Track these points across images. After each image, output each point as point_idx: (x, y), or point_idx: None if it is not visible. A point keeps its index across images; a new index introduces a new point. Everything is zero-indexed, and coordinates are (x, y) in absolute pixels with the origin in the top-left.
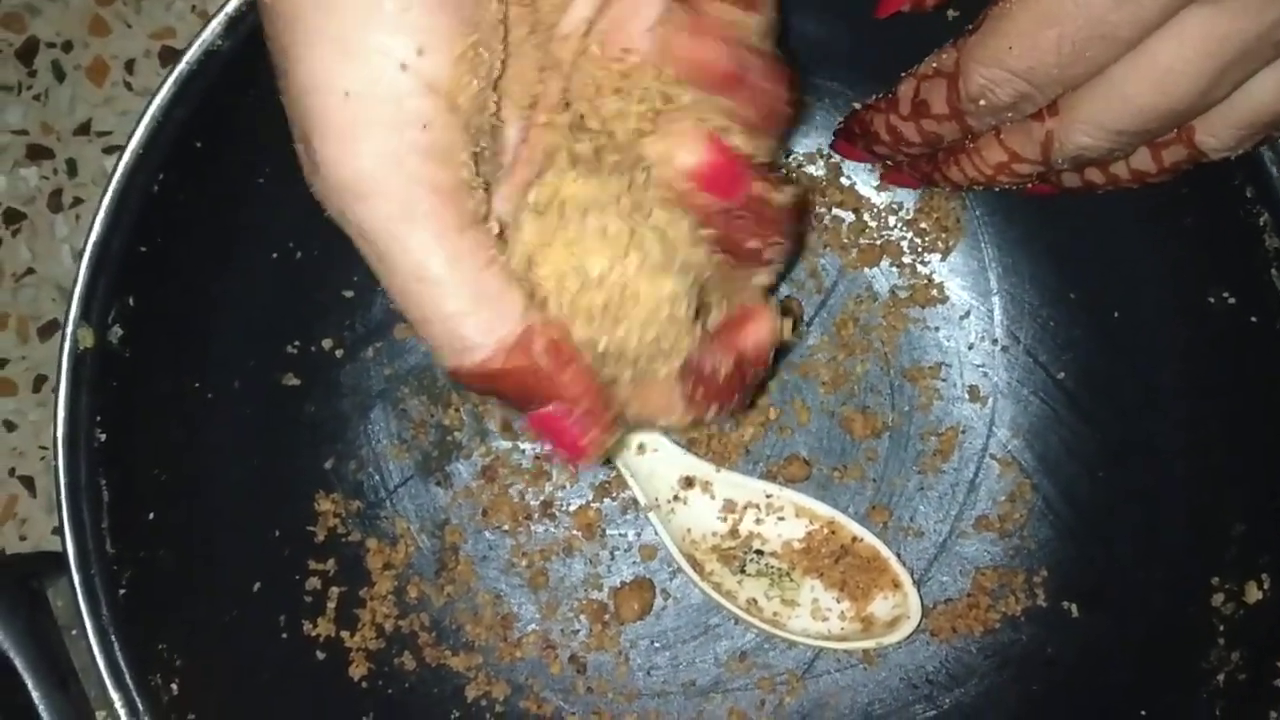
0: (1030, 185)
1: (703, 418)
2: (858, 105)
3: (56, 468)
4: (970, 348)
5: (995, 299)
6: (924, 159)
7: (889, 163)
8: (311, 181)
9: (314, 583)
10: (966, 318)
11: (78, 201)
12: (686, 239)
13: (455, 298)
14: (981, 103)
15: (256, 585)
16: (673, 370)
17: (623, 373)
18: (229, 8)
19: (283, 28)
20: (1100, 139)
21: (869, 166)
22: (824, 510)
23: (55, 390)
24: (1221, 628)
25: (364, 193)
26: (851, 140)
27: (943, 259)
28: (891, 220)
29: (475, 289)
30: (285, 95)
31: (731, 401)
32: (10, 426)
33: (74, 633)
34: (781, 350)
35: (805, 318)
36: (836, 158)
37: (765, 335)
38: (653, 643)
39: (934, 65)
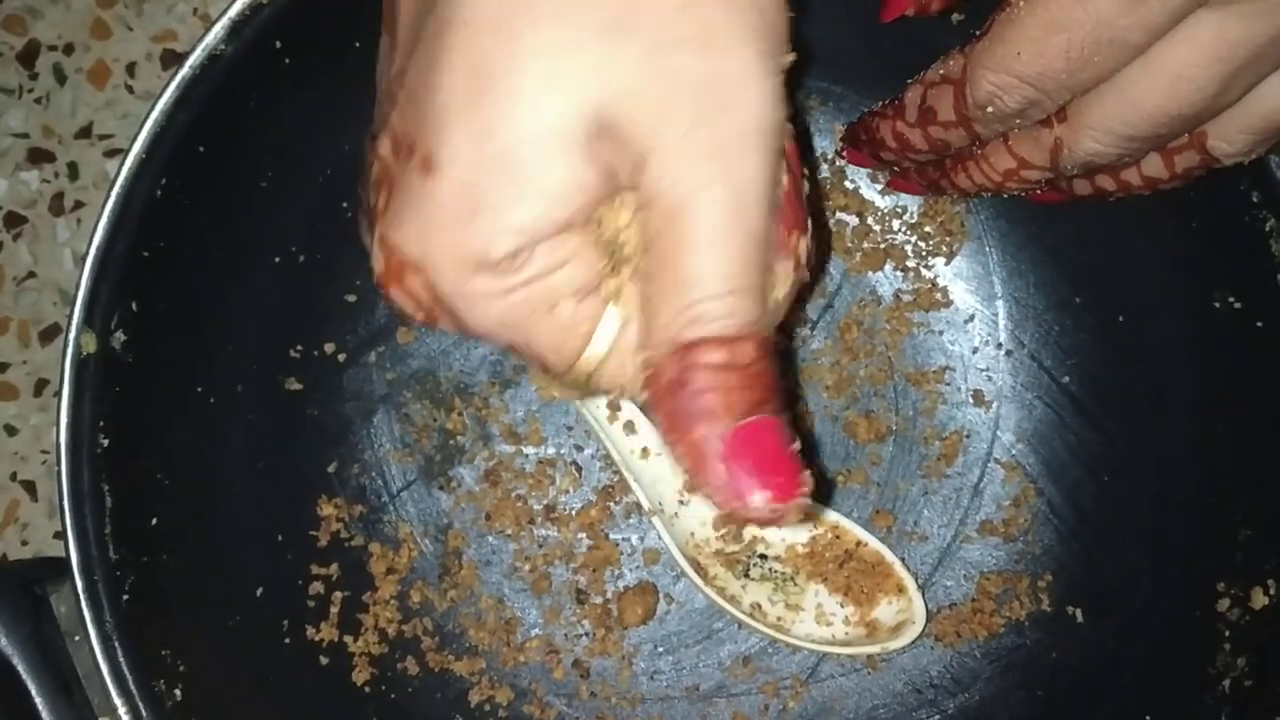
0: (1040, 192)
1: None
2: (864, 111)
3: (59, 473)
4: (974, 352)
5: (1000, 303)
6: (931, 166)
7: (895, 169)
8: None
9: (317, 587)
10: (971, 322)
11: (79, 205)
12: None
13: (757, 278)
14: (989, 109)
15: (259, 590)
16: None
17: None
18: (232, 11)
19: None
20: (1110, 145)
21: (874, 172)
22: (828, 514)
23: (58, 395)
24: (1227, 633)
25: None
26: (858, 146)
27: (947, 263)
28: (895, 224)
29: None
30: None
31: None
32: (11, 431)
33: (77, 638)
34: (786, 354)
35: (809, 322)
36: (840, 161)
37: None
38: (656, 647)
39: (941, 72)
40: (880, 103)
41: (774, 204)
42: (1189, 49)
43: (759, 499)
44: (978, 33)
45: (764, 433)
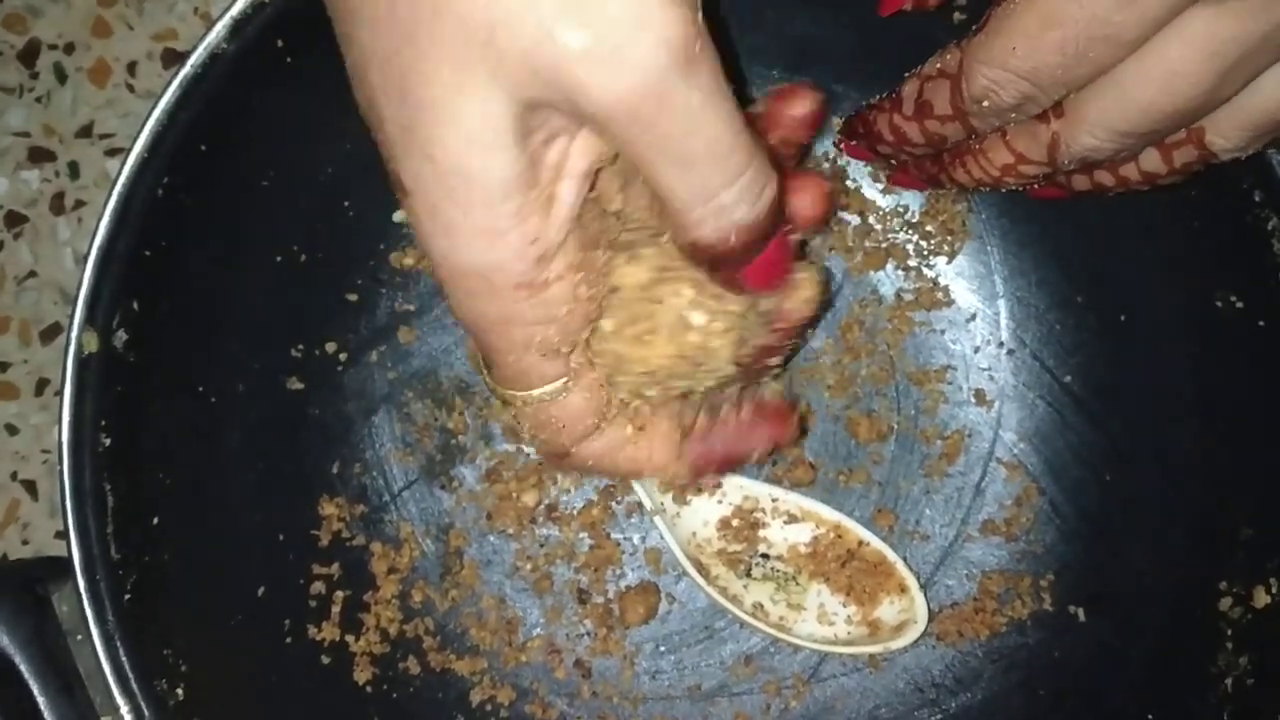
0: (1038, 187)
1: (687, 480)
2: (863, 104)
3: (61, 473)
4: (976, 351)
5: (1001, 302)
6: (929, 160)
7: (894, 163)
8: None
9: (318, 587)
10: (972, 321)
11: (79, 204)
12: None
13: (750, 149)
14: (985, 104)
15: (261, 589)
16: (682, 418)
17: (649, 390)
18: (234, 10)
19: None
20: (1106, 140)
21: (874, 169)
22: (830, 514)
23: (59, 395)
24: (1229, 632)
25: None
26: (855, 139)
27: (948, 262)
28: (897, 223)
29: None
30: None
31: (717, 471)
32: (12, 430)
33: (79, 638)
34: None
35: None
36: (843, 160)
37: (775, 438)
38: (658, 646)
39: (937, 65)
40: (878, 96)
41: (715, 89)
42: (1183, 45)
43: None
44: (976, 27)
45: (772, 260)
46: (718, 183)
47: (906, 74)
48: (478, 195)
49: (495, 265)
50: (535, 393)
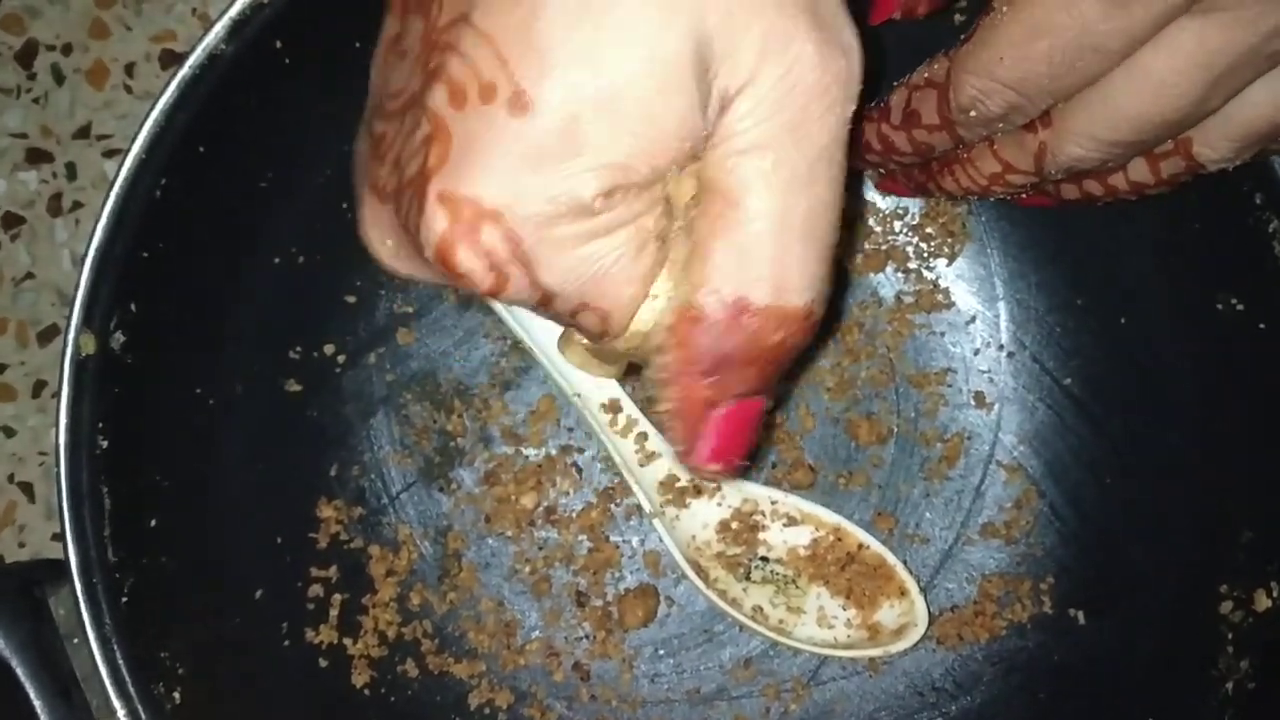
0: (1025, 196)
1: None
2: None
3: (58, 475)
4: (976, 354)
5: (1001, 305)
6: (917, 168)
7: (882, 171)
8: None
9: (316, 590)
10: (972, 323)
11: (77, 205)
12: None
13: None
14: (972, 113)
15: (259, 592)
16: None
17: None
18: (232, 11)
19: None
20: (1093, 150)
21: (873, 173)
22: (829, 517)
23: (57, 397)
24: (1230, 635)
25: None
26: None
27: (949, 264)
28: (897, 226)
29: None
30: None
31: None
32: (9, 432)
33: (76, 641)
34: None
35: None
36: None
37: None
38: (657, 650)
39: (925, 75)
40: (867, 105)
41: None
42: (1171, 56)
43: (712, 467)
44: (964, 36)
45: (751, 415)
46: (791, 247)
47: (895, 83)
48: (633, 127)
49: (595, 194)
50: (648, 313)
